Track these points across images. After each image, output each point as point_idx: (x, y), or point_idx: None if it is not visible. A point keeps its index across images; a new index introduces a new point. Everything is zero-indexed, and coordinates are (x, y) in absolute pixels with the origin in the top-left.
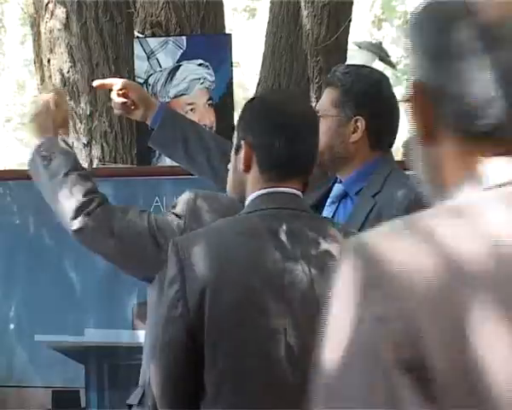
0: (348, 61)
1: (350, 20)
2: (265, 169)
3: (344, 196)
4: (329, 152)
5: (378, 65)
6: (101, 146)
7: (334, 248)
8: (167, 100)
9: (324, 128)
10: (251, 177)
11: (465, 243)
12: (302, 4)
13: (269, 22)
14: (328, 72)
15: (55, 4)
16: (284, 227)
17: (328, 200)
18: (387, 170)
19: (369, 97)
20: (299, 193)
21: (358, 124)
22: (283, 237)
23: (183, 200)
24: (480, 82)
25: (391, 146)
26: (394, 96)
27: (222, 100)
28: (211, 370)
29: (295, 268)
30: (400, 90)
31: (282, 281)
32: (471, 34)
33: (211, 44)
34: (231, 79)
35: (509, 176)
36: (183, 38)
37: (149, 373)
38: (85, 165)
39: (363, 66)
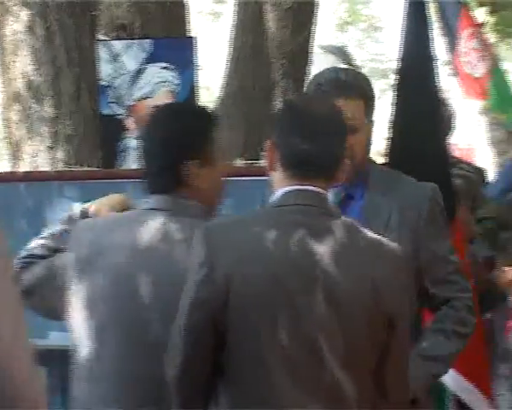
0: (313, 65)
1: (315, 24)
2: (288, 167)
3: (345, 200)
4: (363, 161)
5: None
6: (66, 149)
7: (357, 247)
8: (132, 103)
9: (362, 139)
10: (276, 175)
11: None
12: (266, 8)
13: (234, 25)
14: (293, 75)
15: (20, 7)
16: (309, 222)
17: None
18: (379, 170)
19: (375, 101)
20: (323, 191)
21: (372, 128)
22: (308, 232)
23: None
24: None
25: None
26: None
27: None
28: (231, 354)
29: (320, 263)
30: None
31: (307, 273)
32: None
33: (175, 47)
34: (196, 82)
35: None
36: (148, 40)
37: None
38: (50, 168)
39: (357, 68)
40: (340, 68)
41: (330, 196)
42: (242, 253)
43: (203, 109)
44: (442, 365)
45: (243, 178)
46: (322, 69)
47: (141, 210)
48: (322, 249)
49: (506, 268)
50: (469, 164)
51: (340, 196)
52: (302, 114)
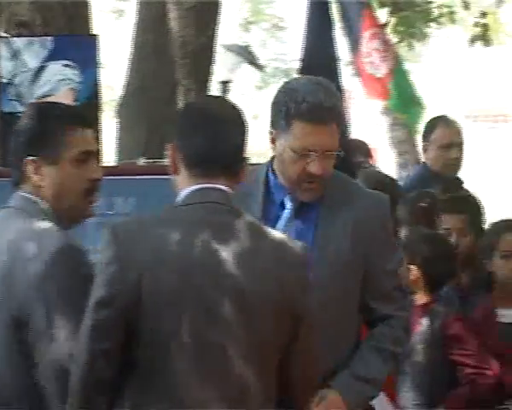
0: (216, 64)
1: (218, 23)
2: (191, 167)
3: (302, 207)
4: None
5: (246, 68)
6: None
7: (261, 245)
8: (33, 100)
9: (333, 161)
10: (180, 176)
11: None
12: (169, 6)
13: (136, 24)
14: (195, 74)
15: None
16: (215, 220)
17: (286, 217)
18: (335, 179)
19: None
20: (226, 189)
21: None
22: (214, 230)
23: None
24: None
25: None
26: None
27: (88, 101)
28: (142, 350)
29: (226, 261)
30: (269, 94)
31: (213, 271)
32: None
33: (77, 45)
34: (98, 80)
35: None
36: (49, 38)
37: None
38: None
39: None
40: (321, 89)
41: (288, 201)
42: (153, 252)
43: (53, 109)
44: (377, 388)
45: (145, 177)
46: (293, 83)
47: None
48: (228, 247)
49: (410, 266)
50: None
51: (297, 202)
52: (203, 115)
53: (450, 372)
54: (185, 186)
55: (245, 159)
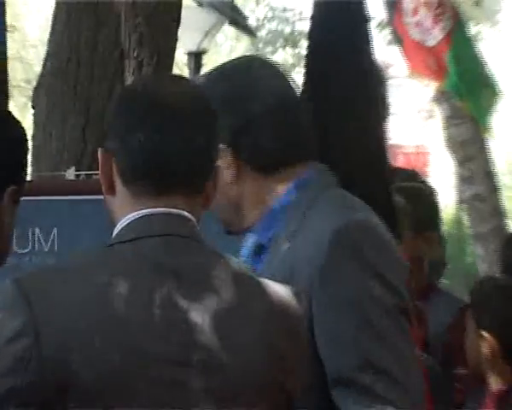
0: (182, 25)
1: None
2: (132, 182)
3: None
4: None
5: (228, 32)
6: None
7: (243, 297)
8: None
9: None
10: (117, 196)
11: None
12: None
13: None
14: (152, 42)
15: None
16: (174, 262)
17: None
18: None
19: None
20: (186, 214)
21: None
22: (175, 276)
23: None
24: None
25: None
26: None
27: None
28: None
29: (194, 322)
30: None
31: (180, 338)
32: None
33: None
34: (4, 50)
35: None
36: None
37: None
38: None
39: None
40: None
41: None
42: (83, 317)
43: None
44: None
45: (77, 198)
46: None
47: None
48: (199, 305)
49: (482, 333)
50: (413, 175)
51: (253, 247)
52: (152, 104)
53: None
54: (125, 211)
55: (215, 168)
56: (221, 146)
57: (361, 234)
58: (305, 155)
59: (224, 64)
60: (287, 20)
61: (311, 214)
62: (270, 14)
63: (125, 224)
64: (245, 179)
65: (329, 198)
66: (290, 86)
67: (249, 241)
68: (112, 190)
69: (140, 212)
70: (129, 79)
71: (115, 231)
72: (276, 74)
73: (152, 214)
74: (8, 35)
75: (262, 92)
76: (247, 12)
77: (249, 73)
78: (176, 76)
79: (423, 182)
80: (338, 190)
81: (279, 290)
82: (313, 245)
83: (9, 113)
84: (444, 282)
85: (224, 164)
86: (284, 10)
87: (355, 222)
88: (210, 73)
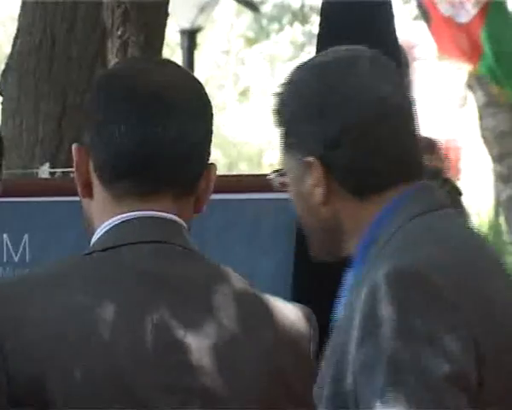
0: (177, 3)
1: None
2: (111, 181)
3: None
4: None
5: (229, 4)
6: None
7: (244, 317)
8: None
9: None
10: (95, 198)
11: None
12: None
13: None
14: (139, 19)
15: None
16: (162, 272)
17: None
18: None
19: None
20: (175, 218)
21: None
22: (163, 290)
23: None
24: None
25: None
26: None
27: None
28: None
29: (187, 346)
30: (267, 47)
31: (172, 363)
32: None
33: None
34: None
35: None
36: None
37: None
38: None
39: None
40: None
41: None
42: (57, 337)
43: None
44: None
45: (53, 199)
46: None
47: None
48: (193, 325)
49: None
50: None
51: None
52: (134, 92)
53: None
54: (105, 217)
55: (208, 166)
56: (310, 159)
57: (401, 284)
58: (407, 173)
59: (322, 56)
60: None
61: (382, 254)
62: None
63: (105, 230)
64: (337, 200)
65: (403, 233)
66: (402, 91)
67: (349, 277)
68: (89, 191)
69: (122, 216)
70: (112, 62)
71: (94, 238)
72: (387, 76)
73: (135, 218)
74: None
75: (365, 97)
76: None
77: (351, 72)
78: (163, 60)
79: (447, 180)
80: (423, 220)
81: (286, 311)
82: (362, 297)
83: None
84: None
85: (314, 181)
86: None
87: (395, 270)
88: (301, 67)
